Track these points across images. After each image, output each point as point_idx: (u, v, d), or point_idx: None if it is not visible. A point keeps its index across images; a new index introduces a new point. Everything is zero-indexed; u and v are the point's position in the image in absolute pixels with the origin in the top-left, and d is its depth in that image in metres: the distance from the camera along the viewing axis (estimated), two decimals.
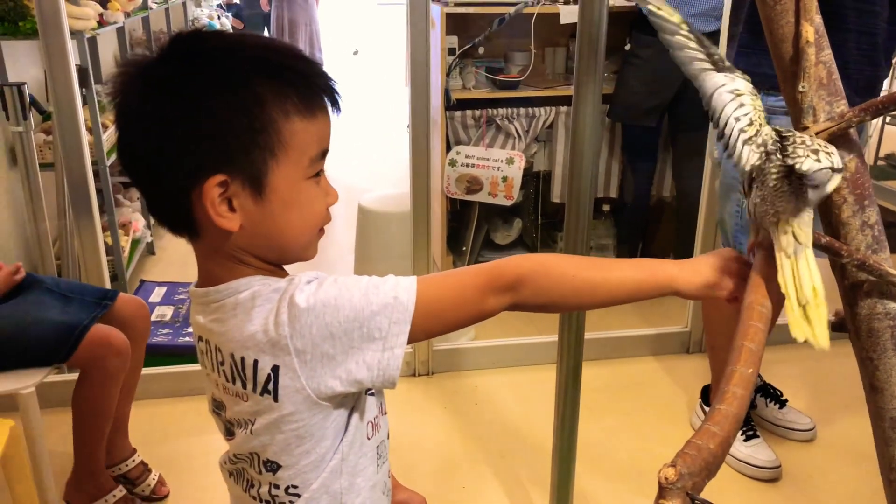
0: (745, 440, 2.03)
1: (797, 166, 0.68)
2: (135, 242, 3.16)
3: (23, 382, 1.53)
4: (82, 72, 2.54)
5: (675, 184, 3.19)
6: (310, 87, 0.75)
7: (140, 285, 2.86)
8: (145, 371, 2.27)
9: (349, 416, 0.80)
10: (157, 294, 2.76)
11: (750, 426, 2.06)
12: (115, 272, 2.77)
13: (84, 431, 1.70)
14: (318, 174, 0.78)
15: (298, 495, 0.81)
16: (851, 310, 0.85)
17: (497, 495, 1.93)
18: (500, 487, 1.96)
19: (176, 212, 0.75)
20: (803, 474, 2.02)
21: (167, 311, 2.62)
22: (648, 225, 3.27)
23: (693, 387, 2.33)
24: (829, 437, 2.16)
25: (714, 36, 2.44)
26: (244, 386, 0.76)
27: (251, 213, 0.74)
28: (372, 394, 0.84)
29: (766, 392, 2.20)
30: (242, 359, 0.75)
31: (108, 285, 2.20)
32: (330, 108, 0.78)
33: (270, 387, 0.75)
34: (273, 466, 0.80)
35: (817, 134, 0.79)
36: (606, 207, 3.41)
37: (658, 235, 3.36)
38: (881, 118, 4.66)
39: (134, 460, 1.91)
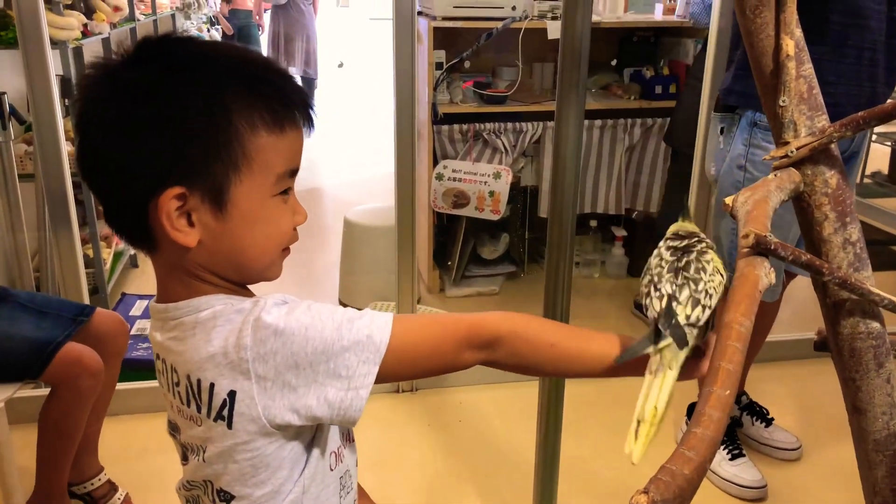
0: (730, 459, 2.00)
1: (647, 311, 0.73)
2: (117, 255, 3.13)
3: None
4: (65, 82, 2.51)
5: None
6: (282, 102, 0.72)
7: (121, 298, 2.82)
8: (124, 386, 2.24)
9: (310, 447, 0.77)
10: (139, 307, 2.72)
11: (736, 445, 2.04)
12: (96, 285, 2.73)
13: (48, 451, 1.65)
14: (287, 192, 0.75)
15: None
16: (834, 329, 0.83)
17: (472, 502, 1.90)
18: (476, 498, 1.93)
19: (133, 223, 0.72)
20: (789, 494, 1.99)
21: (148, 325, 2.58)
22: None
23: (680, 404, 2.30)
24: (816, 457, 2.14)
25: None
26: (198, 410, 0.73)
27: (211, 228, 0.71)
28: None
29: (753, 410, 2.18)
30: (199, 381, 0.72)
31: (87, 299, 2.16)
32: (304, 126, 0.76)
33: (225, 412, 0.71)
34: (226, 496, 0.76)
35: (798, 149, 0.78)
36: (594, 223, 3.40)
37: None
38: (868, 137, 4.69)
39: (101, 479, 1.85)
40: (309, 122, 0.76)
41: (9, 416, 1.55)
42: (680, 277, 0.73)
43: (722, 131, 1.87)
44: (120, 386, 2.23)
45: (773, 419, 2.17)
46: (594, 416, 2.29)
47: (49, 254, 2.48)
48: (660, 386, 0.70)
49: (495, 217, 3.04)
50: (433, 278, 3.24)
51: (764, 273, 0.70)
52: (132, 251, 3.36)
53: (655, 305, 0.73)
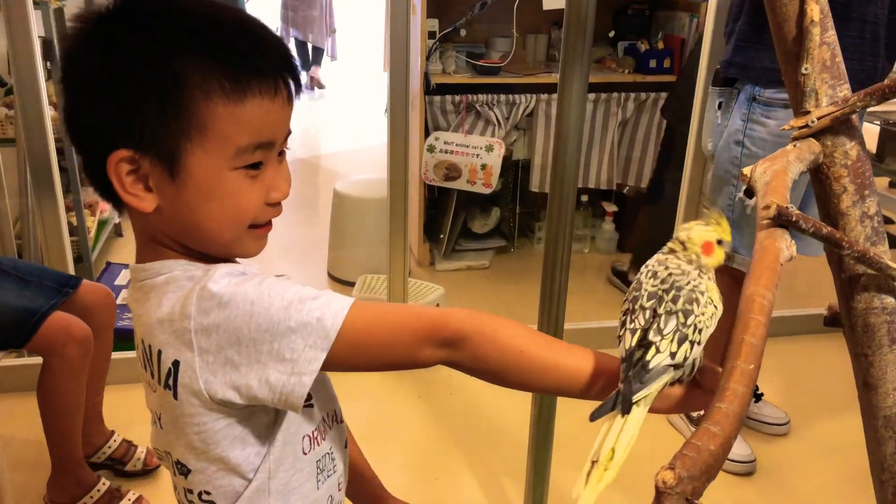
0: None
1: (622, 344, 0.65)
2: (101, 224, 3.07)
3: None
4: (47, 44, 2.44)
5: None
6: (248, 70, 0.67)
7: (106, 267, 2.77)
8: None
9: (272, 429, 0.73)
10: (124, 277, 2.67)
11: None
12: (81, 254, 2.68)
13: (54, 427, 1.64)
14: (257, 167, 0.69)
15: (195, 498, 0.75)
16: (847, 304, 0.82)
17: (471, 487, 1.90)
18: (473, 479, 1.92)
19: (100, 183, 0.70)
20: (777, 468, 2.01)
21: None
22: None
23: None
24: (804, 432, 2.16)
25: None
26: (152, 375, 0.71)
27: (167, 195, 0.68)
28: (311, 405, 0.77)
29: None
30: (150, 346, 0.70)
31: (71, 267, 2.12)
32: (284, 96, 0.70)
33: (171, 382, 0.68)
34: (183, 469, 0.74)
35: (819, 119, 0.76)
36: (584, 198, 3.38)
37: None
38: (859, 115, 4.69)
39: (115, 440, 1.87)
40: (288, 91, 0.70)
41: None
42: (664, 306, 0.64)
43: (720, 106, 1.85)
44: None
45: (762, 395, 2.18)
46: None
47: (31, 221, 2.42)
48: (621, 427, 0.62)
49: (487, 191, 3.01)
50: (423, 252, 3.22)
51: (785, 245, 0.68)
52: (117, 220, 3.30)
53: (626, 341, 0.64)
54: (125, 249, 3.27)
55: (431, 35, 2.90)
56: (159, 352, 0.68)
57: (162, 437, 0.75)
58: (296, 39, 6.71)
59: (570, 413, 2.11)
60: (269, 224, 0.74)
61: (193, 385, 0.67)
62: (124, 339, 1.90)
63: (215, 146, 0.67)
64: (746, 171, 0.76)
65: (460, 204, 3.20)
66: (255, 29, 0.70)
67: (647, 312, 0.64)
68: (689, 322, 0.64)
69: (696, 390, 0.68)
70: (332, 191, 3.07)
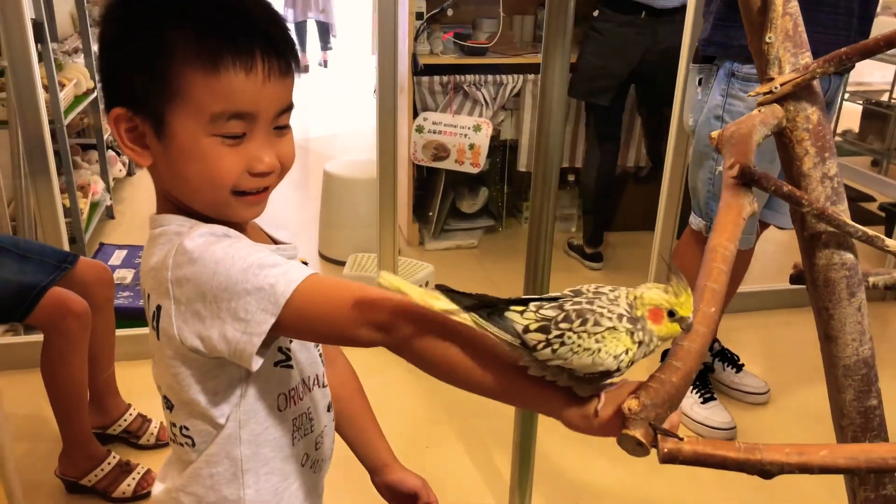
0: (702, 402, 2.08)
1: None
2: (94, 206, 3.09)
3: None
4: (38, 26, 2.45)
5: (650, 157, 3.21)
6: (222, 44, 0.70)
7: (99, 248, 2.80)
8: None
9: (244, 383, 0.78)
10: (118, 257, 2.71)
11: (707, 389, 2.12)
12: (74, 235, 2.71)
13: (60, 402, 1.68)
14: (237, 137, 0.73)
15: (192, 441, 0.81)
16: (810, 261, 0.87)
17: (459, 455, 1.96)
18: (462, 448, 1.98)
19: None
20: (757, 435, 2.08)
21: (127, 275, 2.58)
22: (613, 196, 3.30)
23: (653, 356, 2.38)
24: (783, 401, 2.23)
25: (675, 12, 2.46)
26: (146, 317, 0.77)
27: (157, 154, 0.75)
28: (290, 366, 0.82)
29: (724, 356, 2.25)
30: (144, 290, 0.77)
31: (66, 247, 2.15)
32: (262, 71, 0.72)
33: (155, 324, 0.75)
34: (168, 404, 0.81)
35: (782, 85, 0.81)
36: (571, 177, 3.43)
37: (622, 206, 3.39)
38: (840, 97, 4.75)
39: (131, 414, 1.92)
40: (268, 67, 0.72)
41: None
42: (569, 300, 0.63)
43: (700, 82, 1.90)
44: None
45: (743, 365, 2.25)
46: None
47: (25, 202, 2.45)
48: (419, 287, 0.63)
49: (475, 170, 3.05)
50: (412, 232, 3.26)
51: (748, 202, 0.73)
52: (108, 202, 3.32)
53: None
54: (117, 231, 3.30)
55: (419, 16, 2.93)
56: (148, 296, 0.75)
57: (154, 372, 0.82)
58: (296, 23, 6.87)
59: None
60: (261, 192, 0.77)
61: (169, 330, 0.73)
62: (120, 317, 1.96)
63: (193, 113, 0.71)
64: (714, 135, 0.81)
65: (449, 184, 3.25)
66: (242, 5, 0.74)
67: (558, 295, 0.63)
68: (563, 326, 0.60)
69: (558, 396, 0.64)
70: (322, 172, 3.11)
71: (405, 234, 3.27)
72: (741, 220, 0.71)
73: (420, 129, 3.00)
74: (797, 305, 2.71)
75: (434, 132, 3.00)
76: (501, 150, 3.30)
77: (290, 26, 6.69)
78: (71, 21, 3.74)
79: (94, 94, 3.14)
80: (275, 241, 0.86)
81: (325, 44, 7.43)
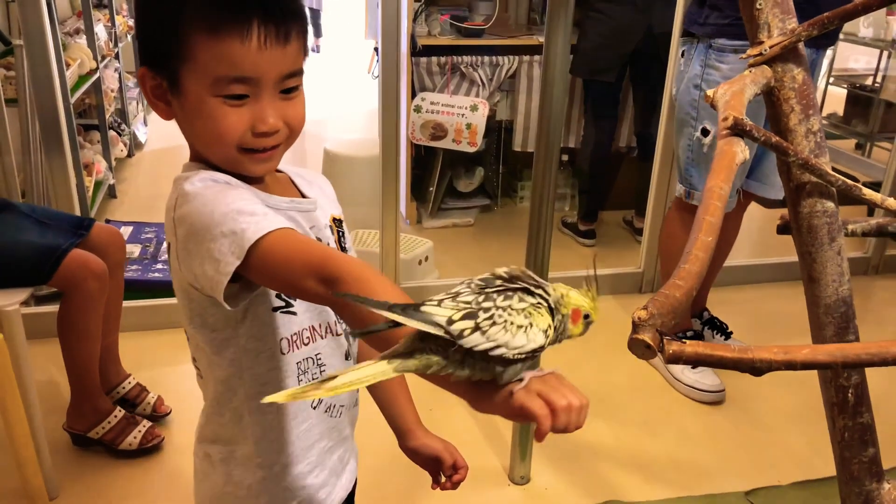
0: (692, 367, 2.18)
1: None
2: (97, 184, 3.15)
3: (6, 300, 1.56)
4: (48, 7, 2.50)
5: (637, 136, 3.31)
6: (224, 12, 0.76)
7: (106, 223, 2.86)
8: None
9: (240, 324, 0.84)
10: (124, 233, 2.77)
11: None
12: (82, 213, 2.76)
13: (73, 356, 1.75)
14: (239, 98, 0.78)
15: (199, 373, 0.89)
16: (795, 209, 0.95)
17: (463, 418, 2.05)
18: (465, 412, 2.07)
19: None
20: (746, 398, 2.18)
21: (135, 249, 2.64)
22: (608, 175, 3.39)
23: None
24: None
25: None
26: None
27: (176, 110, 0.83)
28: (292, 312, 0.86)
29: (713, 325, 2.35)
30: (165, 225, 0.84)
31: None
32: (258, 38, 0.77)
33: (168, 258, 0.83)
34: (187, 336, 0.88)
35: (771, 47, 0.89)
36: (565, 157, 3.51)
37: (616, 185, 3.48)
38: (826, 80, 4.85)
39: (130, 382, 1.98)
40: (264, 35, 0.77)
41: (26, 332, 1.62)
42: (490, 285, 0.61)
43: (683, 54, 2.01)
44: None
45: (731, 332, 2.35)
46: None
47: (34, 178, 2.51)
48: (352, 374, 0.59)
49: (472, 149, 3.13)
50: (410, 210, 3.34)
51: (740, 150, 0.81)
52: (111, 181, 3.38)
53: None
54: (120, 210, 3.36)
55: None
56: (166, 232, 0.83)
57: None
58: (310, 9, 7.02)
59: (553, 353, 2.27)
60: (268, 150, 0.83)
61: (175, 265, 0.81)
62: (128, 289, 2.02)
63: (199, 74, 0.78)
64: (710, 92, 0.89)
65: (446, 164, 3.33)
66: None
67: (466, 282, 0.62)
68: (486, 305, 0.59)
69: (485, 393, 0.62)
70: (320, 153, 3.18)
71: (403, 213, 3.34)
72: (734, 165, 0.79)
73: (418, 109, 3.08)
74: (784, 279, 2.81)
75: (432, 112, 3.08)
76: (497, 130, 3.38)
77: None
78: (70, 3, 3.78)
79: (97, 75, 3.19)
80: (303, 196, 0.93)
81: (316, 30, 7.51)
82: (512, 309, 0.60)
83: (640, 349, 0.64)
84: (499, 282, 0.62)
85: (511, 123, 3.34)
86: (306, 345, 0.89)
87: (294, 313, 0.87)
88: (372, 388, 1.02)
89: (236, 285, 0.76)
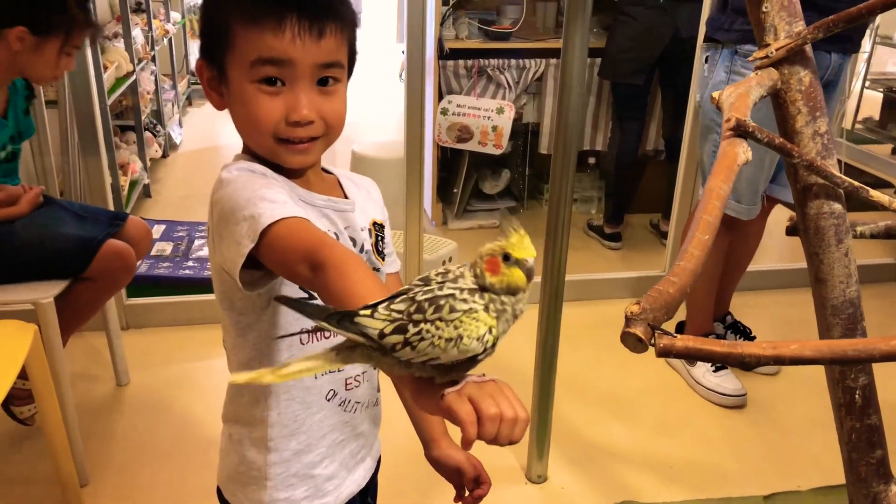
0: (714, 371, 2.17)
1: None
2: (132, 184, 3.24)
3: (42, 293, 1.63)
4: None
5: (665, 139, 3.30)
6: (265, 2, 0.81)
7: None
8: (149, 300, 2.39)
9: (264, 311, 0.87)
10: (157, 231, 2.85)
11: None
12: (115, 210, 2.85)
13: (68, 330, 1.78)
14: (272, 82, 0.82)
15: (227, 355, 0.93)
16: (802, 211, 0.96)
17: None
18: None
19: None
20: (768, 403, 2.17)
21: (167, 247, 2.72)
22: (634, 178, 3.39)
23: (668, 325, 2.47)
24: (792, 373, 2.31)
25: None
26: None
27: (226, 99, 0.87)
28: (312, 298, 0.86)
29: (736, 329, 2.34)
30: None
31: None
32: (291, 26, 0.81)
33: (208, 240, 0.87)
34: (220, 313, 0.92)
35: (777, 50, 0.90)
36: (592, 160, 3.52)
37: (643, 188, 3.47)
38: (862, 84, 4.77)
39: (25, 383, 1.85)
40: (297, 23, 0.81)
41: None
42: (418, 290, 0.60)
43: (706, 60, 2.01)
44: (141, 300, 2.39)
45: (755, 337, 2.34)
46: (589, 336, 2.44)
47: (71, 178, 2.59)
48: (301, 363, 0.63)
49: (498, 151, 3.15)
50: (436, 211, 3.37)
51: (742, 151, 0.83)
52: (146, 181, 3.47)
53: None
54: (154, 209, 3.45)
55: (445, 2, 3.03)
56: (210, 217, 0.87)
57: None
58: None
59: (574, 353, 2.29)
60: (304, 142, 0.85)
61: (210, 246, 0.86)
62: (154, 285, 2.07)
63: (239, 61, 0.83)
64: (716, 94, 0.91)
65: (472, 165, 3.35)
66: None
67: (406, 287, 0.61)
68: (416, 318, 0.58)
69: (426, 391, 0.61)
70: (350, 152, 3.23)
71: (429, 214, 3.37)
72: (736, 165, 0.81)
73: (445, 112, 3.11)
74: (807, 285, 2.78)
75: (458, 114, 3.10)
76: (524, 132, 3.40)
77: None
78: (109, 8, 3.89)
79: (134, 77, 3.28)
80: (345, 196, 0.95)
81: None
82: (441, 321, 0.57)
83: (631, 342, 0.66)
84: (435, 284, 0.60)
85: (537, 126, 3.36)
86: (326, 338, 0.91)
87: (313, 297, 0.90)
88: (402, 395, 1.00)
89: (259, 272, 0.80)
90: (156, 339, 2.36)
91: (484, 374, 0.62)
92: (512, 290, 0.60)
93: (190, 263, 2.63)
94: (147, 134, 3.68)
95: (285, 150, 0.86)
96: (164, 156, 4.06)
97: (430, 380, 0.61)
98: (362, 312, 0.59)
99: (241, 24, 0.82)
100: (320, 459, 0.94)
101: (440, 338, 0.57)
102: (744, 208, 2.02)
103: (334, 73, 0.86)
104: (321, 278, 0.68)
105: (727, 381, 2.15)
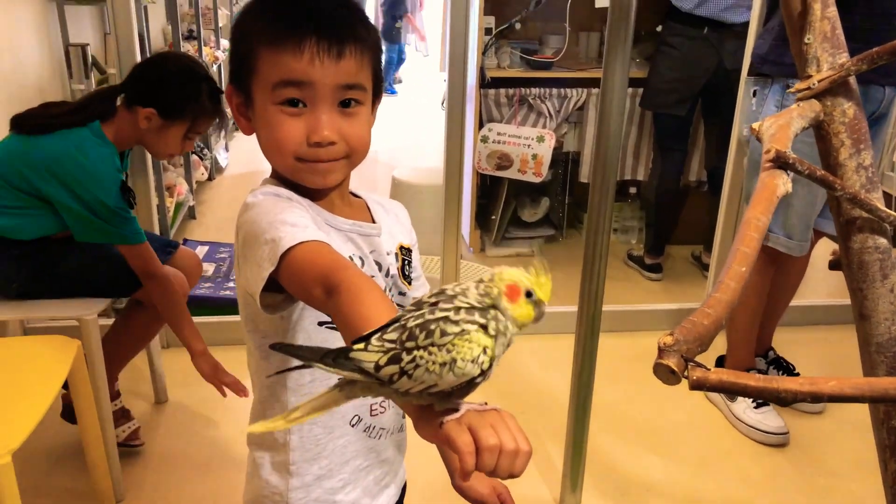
0: (755, 407, 2.11)
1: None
2: (178, 205, 3.32)
3: (86, 310, 1.67)
4: (140, 40, 2.68)
5: (708, 171, 3.26)
6: (284, 25, 0.83)
7: (183, 243, 3.01)
8: None
9: (288, 333, 0.87)
10: (200, 252, 2.90)
11: None
12: (162, 231, 2.91)
13: (120, 348, 1.84)
14: (294, 104, 0.84)
15: (251, 377, 0.94)
16: (845, 245, 0.94)
17: None
18: None
19: None
20: (811, 442, 2.10)
21: (209, 268, 2.77)
22: (676, 209, 3.36)
23: (709, 359, 2.42)
24: (838, 412, 2.23)
25: (745, 26, 2.52)
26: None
27: (252, 124, 0.89)
28: (332, 327, 0.86)
29: (779, 365, 2.28)
30: None
31: None
32: (310, 48, 0.82)
33: (234, 262, 0.89)
34: (244, 335, 0.93)
35: (819, 81, 0.89)
36: (633, 190, 3.49)
37: (686, 220, 3.43)
38: None
39: (116, 404, 1.93)
40: (317, 46, 0.82)
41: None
42: (409, 317, 0.58)
43: (755, 94, 1.97)
44: None
45: (798, 374, 2.27)
46: (627, 367, 2.41)
47: None
48: (308, 405, 0.63)
49: (537, 179, 3.15)
50: (474, 238, 3.37)
51: (782, 182, 0.82)
52: (191, 203, 3.55)
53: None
54: (198, 230, 3.52)
55: (488, 31, 3.06)
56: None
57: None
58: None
59: (611, 385, 2.25)
60: (324, 162, 0.86)
61: (236, 269, 0.87)
62: (196, 305, 2.10)
63: (262, 85, 0.85)
64: (755, 125, 0.90)
65: (511, 193, 3.36)
66: (314, 2, 0.87)
67: (399, 314, 0.60)
68: (409, 345, 0.57)
69: (426, 418, 0.60)
70: (390, 178, 3.26)
71: (467, 241, 3.38)
72: (775, 197, 0.79)
73: (485, 140, 3.12)
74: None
75: (498, 142, 3.12)
76: (564, 161, 3.40)
77: None
78: (162, 35, 4.02)
79: None
80: (373, 220, 0.96)
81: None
82: (433, 345, 0.56)
83: (664, 374, 0.65)
84: (426, 307, 0.58)
85: (578, 155, 3.35)
86: None
87: (337, 329, 0.91)
88: None
89: (281, 295, 0.80)
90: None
91: (486, 402, 0.60)
92: (517, 324, 0.59)
93: (231, 284, 2.67)
94: (194, 157, 3.77)
95: (307, 171, 0.87)
96: (210, 178, 4.16)
97: (430, 407, 0.59)
98: (356, 347, 0.58)
99: (264, 47, 0.84)
100: (342, 485, 0.94)
101: (434, 363, 0.56)
102: (795, 244, 1.98)
103: (356, 95, 0.87)
104: (334, 302, 0.68)
105: (769, 418, 2.09)
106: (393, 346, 0.57)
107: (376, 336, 0.58)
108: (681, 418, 2.21)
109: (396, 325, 0.58)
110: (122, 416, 1.93)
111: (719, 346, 2.39)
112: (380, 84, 0.92)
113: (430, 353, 0.56)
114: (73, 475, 1.85)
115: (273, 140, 0.86)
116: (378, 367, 0.57)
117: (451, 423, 0.57)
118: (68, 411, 1.84)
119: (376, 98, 0.92)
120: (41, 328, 2.25)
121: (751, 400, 2.14)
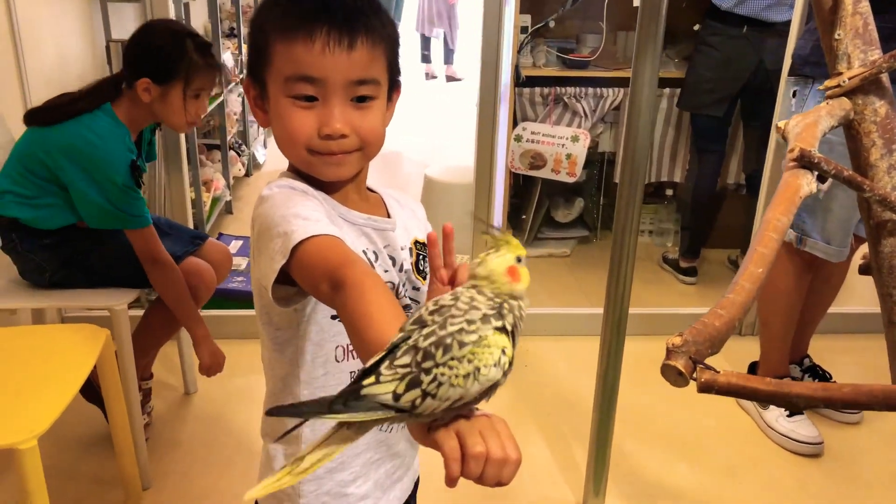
0: (788, 416, 2.06)
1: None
2: (215, 200, 3.36)
3: (116, 300, 1.70)
4: None
5: (746, 174, 3.20)
6: (297, 18, 0.83)
7: (219, 237, 3.05)
8: (219, 313, 2.46)
9: (301, 325, 0.88)
10: (234, 246, 2.94)
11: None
12: (197, 225, 2.96)
13: (152, 336, 1.87)
14: (309, 99, 0.84)
15: (265, 370, 0.94)
16: (875, 248, 0.91)
17: (539, 447, 2.02)
18: (543, 441, 2.05)
19: None
20: (846, 453, 2.04)
21: (242, 262, 2.80)
22: (712, 212, 3.29)
23: (741, 365, 2.37)
24: (877, 422, 2.17)
25: (786, 25, 2.46)
26: None
27: (268, 115, 0.89)
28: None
29: (815, 373, 2.22)
30: None
31: None
32: (322, 41, 0.82)
33: (250, 253, 0.88)
34: (258, 328, 0.93)
35: (850, 79, 0.86)
36: (669, 192, 3.43)
37: (723, 223, 3.36)
38: None
39: (147, 383, 2.00)
40: (328, 39, 0.82)
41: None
42: (416, 337, 0.57)
43: (794, 94, 1.92)
44: (214, 313, 2.46)
45: (835, 382, 2.21)
46: (658, 371, 2.36)
47: (157, 192, 2.71)
48: (325, 437, 0.59)
49: (571, 180, 3.12)
50: None
51: (805, 182, 0.79)
52: (228, 198, 3.60)
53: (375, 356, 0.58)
54: (234, 225, 3.57)
55: (524, 30, 3.04)
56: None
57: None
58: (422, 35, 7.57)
59: (640, 389, 2.22)
60: (336, 154, 0.86)
61: (251, 261, 0.87)
62: (227, 298, 2.13)
63: (276, 77, 0.85)
64: (781, 124, 0.87)
65: (544, 193, 3.33)
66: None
67: (402, 336, 0.58)
68: (427, 365, 0.55)
69: (439, 431, 0.57)
70: (421, 177, 3.26)
71: None
72: (797, 197, 0.77)
73: (518, 139, 3.10)
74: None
75: (532, 141, 3.09)
76: (599, 161, 3.36)
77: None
78: (203, 32, 4.08)
79: (222, 99, 3.42)
80: (388, 215, 0.96)
81: (447, 57, 7.88)
82: (454, 359, 0.55)
83: (671, 376, 0.64)
84: (434, 324, 0.56)
85: (614, 155, 3.31)
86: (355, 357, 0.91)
87: None
88: None
89: (293, 288, 0.80)
90: (225, 351, 2.41)
91: (478, 408, 0.59)
92: (524, 292, 0.60)
93: None
94: (231, 153, 3.82)
95: (320, 163, 0.87)
96: (248, 174, 4.21)
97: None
98: (366, 382, 0.55)
99: (277, 39, 0.85)
100: (353, 478, 0.94)
101: (457, 376, 0.55)
102: (834, 250, 1.92)
103: (368, 91, 0.86)
104: (340, 297, 0.68)
105: (802, 427, 2.04)
106: (407, 370, 0.55)
107: (385, 365, 0.56)
108: (710, 424, 2.16)
109: (405, 347, 0.56)
110: (146, 397, 1.97)
111: (754, 352, 2.34)
112: (397, 76, 0.92)
113: (450, 368, 0.55)
114: (101, 462, 1.89)
115: (286, 132, 0.86)
116: (397, 396, 0.55)
117: (439, 429, 0.56)
118: (88, 388, 1.84)
119: (394, 90, 0.92)
120: (79, 317, 2.31)
121: (783, 408, 2.08)
